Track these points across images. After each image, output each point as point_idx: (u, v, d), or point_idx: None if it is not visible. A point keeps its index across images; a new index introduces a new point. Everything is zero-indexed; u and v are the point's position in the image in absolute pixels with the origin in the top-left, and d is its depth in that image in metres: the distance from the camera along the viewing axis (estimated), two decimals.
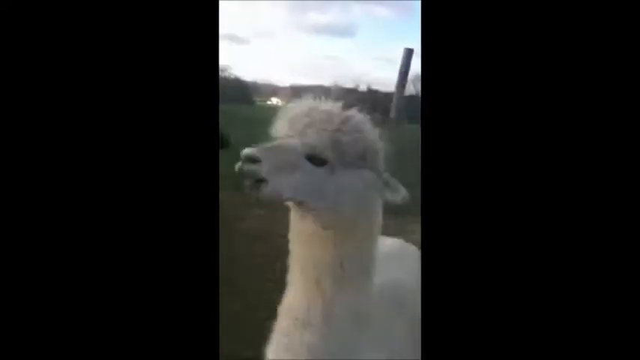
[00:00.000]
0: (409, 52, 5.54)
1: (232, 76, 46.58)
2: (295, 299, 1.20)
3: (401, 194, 1.21)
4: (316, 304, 1.16)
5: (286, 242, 1.29)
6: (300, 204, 1.15)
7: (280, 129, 1.19)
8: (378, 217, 1.25)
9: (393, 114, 5.09)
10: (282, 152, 1.11)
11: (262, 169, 1.06)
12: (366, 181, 1.18)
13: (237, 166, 1.07)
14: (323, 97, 1.24)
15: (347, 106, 1.25)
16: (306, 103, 1.22)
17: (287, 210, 1.26)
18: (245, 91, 45.82)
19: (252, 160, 1.06)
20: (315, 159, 1.13)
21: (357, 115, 1.20)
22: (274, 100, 52.15)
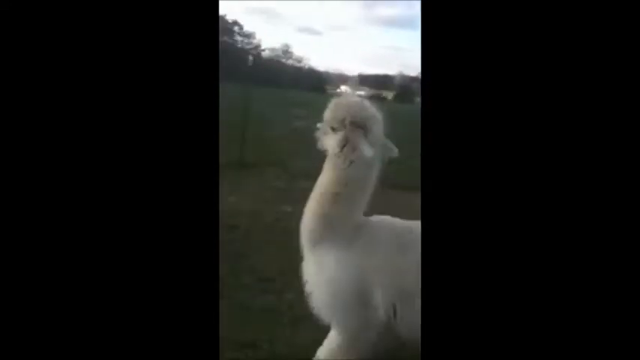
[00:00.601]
0: None
1: (307, 66, 51.70)
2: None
3: (394, 152, 1.70)
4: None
5: None
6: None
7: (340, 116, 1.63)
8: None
9: None
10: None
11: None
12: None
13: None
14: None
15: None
16: (347, 97, 1.77)
17: None
18: (318, 80, 48.01)
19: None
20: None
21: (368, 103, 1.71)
22: (343, 88, 52.84)
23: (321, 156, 1.67)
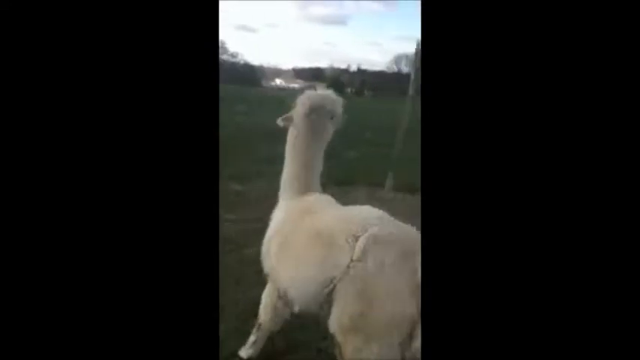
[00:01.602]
0: None
1: (242, 62, 51.44)
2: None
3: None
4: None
5: None
6: None
7: (338, 105, 2.00)
8: None
9: (411, 91, 5.23)
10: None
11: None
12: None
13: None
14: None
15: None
16: (329, 92, 2.04)
17: None
18: (252, 74, 49.05)
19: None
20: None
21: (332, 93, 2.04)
22: (278, 81, 55.99)
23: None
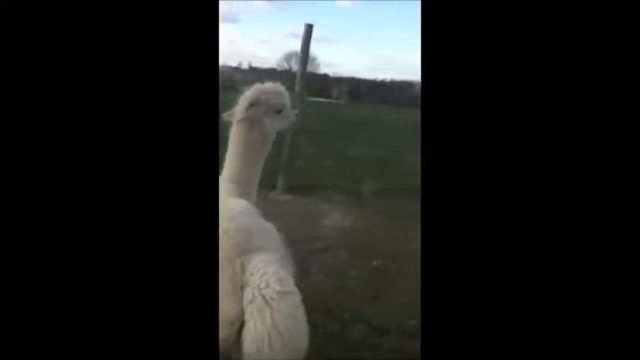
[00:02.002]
0: (309, 28, 5.29)
1: None
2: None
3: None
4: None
5: None
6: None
7: (282, 99, 1.91)
8: None
9: (298, 88, 5.13)
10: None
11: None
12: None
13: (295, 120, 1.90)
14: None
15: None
16: (274, 84, 1.93)
17: None
18: None
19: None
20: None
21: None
22: None
23: None
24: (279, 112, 1.92)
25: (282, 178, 5.45)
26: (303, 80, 5.41)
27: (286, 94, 1.96)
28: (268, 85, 1.95)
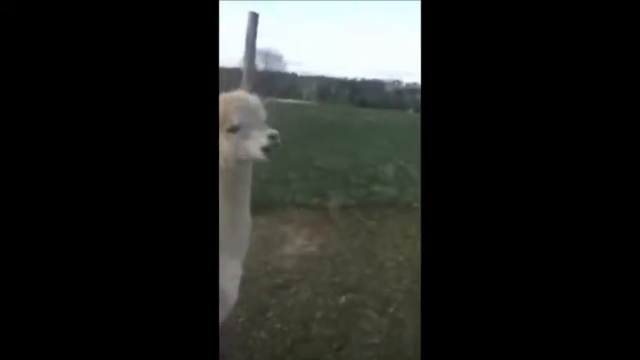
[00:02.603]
0: (254, 17, 4.18)
1: None
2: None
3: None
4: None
5: None
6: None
7: (241, 115, 1.49)
8: None
9: (246, 91, 2.54)
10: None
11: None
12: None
13: (270, 144, 1.46)
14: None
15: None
16: (239, 94, 1.57)
17: None
18: None
19: (277, 136, 1.46)
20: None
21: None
22: None
23: None
24: (233, 130, 1.50)
25: None
26: (250, 80, 4.56)
27: (251, 105, 1.55)
28: (228, 95, 1.56)
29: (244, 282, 3.33)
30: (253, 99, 1.58)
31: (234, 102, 1.53)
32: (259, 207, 4.88)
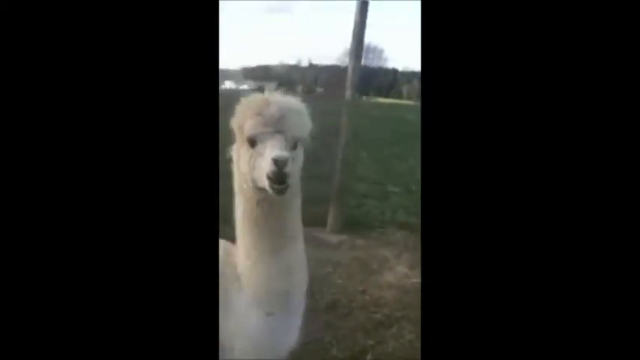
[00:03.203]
0: (364, 6, 3.84)
1: None
2: (251, 272, 1.33)
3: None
4: (273, 270, 1.31)
5: None
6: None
7: (254, 124, 1.20)
8: None
9: (349, 89, 3.98)
10: (287, 148, 1.17)
11: (289, 169, 1.13)
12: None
13: (272, 171, 1.11)
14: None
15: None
16: (260, 98, 1.25)
17: None
18: None
19: (285, 163, 1.11)
20: (294, 145, 1.23)
21: (298, 102, 1.28)
22: (227, 84, 48.79)
23: None
24: (251, 142, 1.24)
25: (333, 211, 4.30)
26: (356, 77, 4.14)
27: (272, 112, 1.22)
28: (251, 97, 1.30)
29: (342, 314, 2.87)
30: (283, 104, 1.25)
31: (252, 106, 1.25)
32: (356, 225, 4.51)
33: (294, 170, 1.23)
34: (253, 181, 1.23)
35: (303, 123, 1.27)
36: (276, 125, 1.21)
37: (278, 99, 1.26)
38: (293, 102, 1.28)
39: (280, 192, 1.17)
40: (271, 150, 1.16)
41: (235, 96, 1.31)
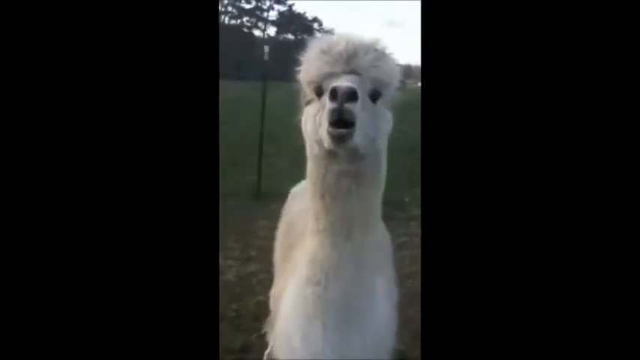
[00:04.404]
0: None
1: None
2: (324, 251, 1.12)
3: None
4: (348, 253, 1.11)
5: None
6: (358, 154, 1.01)
7: (323, 66, 1.00)
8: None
9: None
10: (360, 91, 0.95)
11: (358, 110, 0.92)
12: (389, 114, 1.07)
13: (330, 108, 0.91)
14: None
15: None
16: (341, 36, 1.05)
17: None
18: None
19: (353, 96, 0.91)
20: (372, 95, 1.02)
21: (382, 42, 1.08)
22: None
23: None
24: (317, 90, 1.05)
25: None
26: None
27: (345, 51, 1.02)
28: (320, 38, 1.11)
29: None
30: (357, 41, 1.05)
31: (319, 46, 1.07)
32: None
33: (371, 128, 1.02)
34: (319, 142, 1.05)
35: (386, 66, 1.06)
36: (347, 64, 1.02)
37: (351, 37, 1.07)
38: (373, 41, 1.08)
39: (339, 139, 0.97)
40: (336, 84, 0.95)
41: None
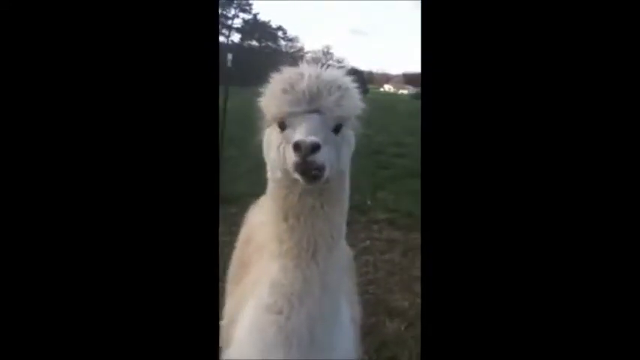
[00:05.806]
0: None
1: (349, 67, 50.34)
2: (286, 276, 1.09)
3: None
4: (313, 276, 1.08)
5: None
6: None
7: (284, 105, 1.01)
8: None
9: None
10: (324, 131, 0.98)
11: (323, 156, 0.95)
12: (353, 139, 1.11)
13: (294, 161, 0.94)
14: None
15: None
16: (306, 70, 1.05)
17: None
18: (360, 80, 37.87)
19: (317, 149, 0.93)
20: (336, 128, 1.04)
21: (347, 78, 1.09)
22: (387, 87, 52.09)
23: None
24: (280, 125, 1.05)
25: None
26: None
27: (307, 87, 1.02)
28: (283, 72, 1.09)
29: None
30: (319, 77, 1.04)
31: (281, 81, 1.06)
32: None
33: (336, 158, 1.04)
34: (284, 172, 1.05)
35: (350, 102, 1.06)
36: (310, 104, 1.02)
37: (315, 72, 1.05)
38: (334, 75, 1.07)
39: (311, 181, 1.00)
40: (299, 134, 0.97)
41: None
